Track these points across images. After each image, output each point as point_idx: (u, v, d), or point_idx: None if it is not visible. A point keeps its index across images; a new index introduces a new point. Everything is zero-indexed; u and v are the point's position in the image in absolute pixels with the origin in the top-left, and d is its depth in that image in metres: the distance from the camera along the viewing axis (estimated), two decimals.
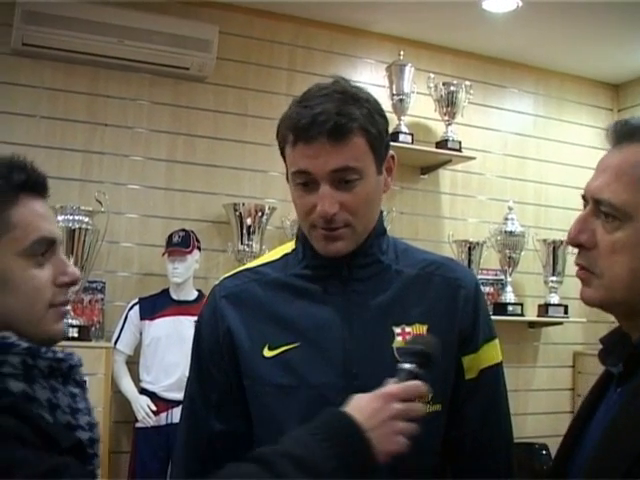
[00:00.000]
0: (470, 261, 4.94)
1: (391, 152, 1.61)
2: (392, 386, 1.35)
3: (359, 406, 1.32)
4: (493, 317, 4.93)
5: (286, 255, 1.70)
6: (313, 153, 1.48)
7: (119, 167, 4.46)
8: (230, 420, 1.64)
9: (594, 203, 1.30)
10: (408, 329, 1.58)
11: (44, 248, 1.31)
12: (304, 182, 1.52)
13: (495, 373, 1.67)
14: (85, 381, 1.37)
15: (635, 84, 5.84)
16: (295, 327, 1.58)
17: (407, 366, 1.39)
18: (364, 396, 1.35)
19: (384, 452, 1.30)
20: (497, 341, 1.70)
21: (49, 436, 1.21)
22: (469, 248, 4.97)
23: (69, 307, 3.76)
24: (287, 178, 1.60)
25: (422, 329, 1.58)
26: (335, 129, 1.47)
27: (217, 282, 1.73)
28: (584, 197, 1.35)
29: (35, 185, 1.34)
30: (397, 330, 1.57)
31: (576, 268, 1.37)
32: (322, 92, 1.51)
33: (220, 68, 4.62)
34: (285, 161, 1.59)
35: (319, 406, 1.51)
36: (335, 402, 1.51)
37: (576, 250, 1.36)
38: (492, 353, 1.64)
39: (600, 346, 1.44)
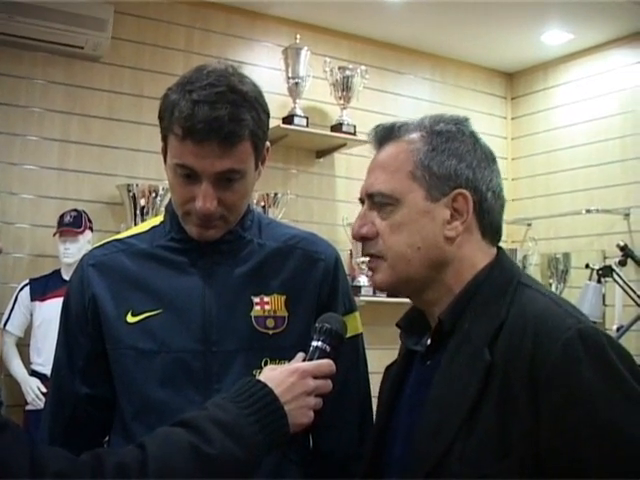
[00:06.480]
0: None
1: (267, 144, 1.65)
2: (307, 363, 1.43)
3: (276, 379, 1.38)
4: (386, 299, 5.00)
5: (154, 227, 1.75)
6: (201, 153, 1.51)
7: (11, 147, 4.38)
8: (95, 384, 1.69)
9: (368, 198, 1.45)
10: (267, 299, 1.65)
11: None
12: (186, 174, 1.55)
13: (354, 344, 1.74)
14: None
15: (527, 73, 6.03)
16: (158, 295, 1.64)
17: (320, 344, 1.45)
18: (278, 369, 1.42)
19: (296, 424, 1.37)
20: (357, 314, 1.78)
21: None
22: None
23: None
24: (164, 158, 1.63)
25: (280, 299, 1.65)
26: (227, 136, 1.50)
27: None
28: (361, 199, 1.48)
29: None
30: (256, 300, 1.64)
31: (365, 260, 1.49)
32: (215, 89, 1.51)
33: (115, 48, 4.59)
34: (164, 140, 1.61)
35: (178, 370, 1.59)
36: (194, 367, 1.59)
37: None
38: (352, 325, 1.70)
39: None
